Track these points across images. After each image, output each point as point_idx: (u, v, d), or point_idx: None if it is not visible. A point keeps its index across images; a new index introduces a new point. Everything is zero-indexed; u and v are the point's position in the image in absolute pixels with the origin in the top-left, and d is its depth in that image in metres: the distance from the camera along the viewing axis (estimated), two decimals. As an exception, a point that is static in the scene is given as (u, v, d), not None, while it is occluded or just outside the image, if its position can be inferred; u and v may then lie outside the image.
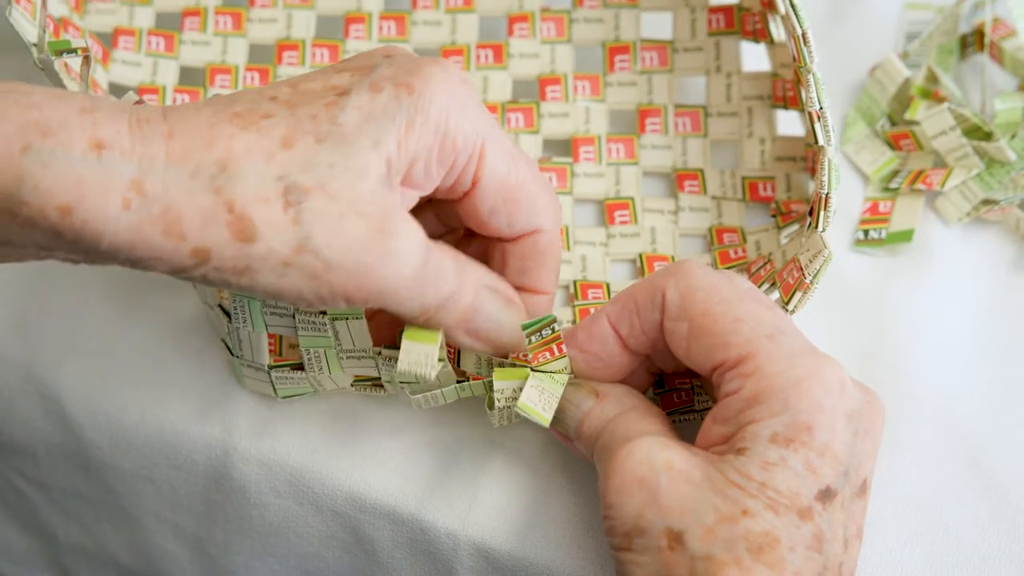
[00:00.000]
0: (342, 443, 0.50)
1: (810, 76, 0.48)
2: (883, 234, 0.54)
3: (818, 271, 0.45)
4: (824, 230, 0.46)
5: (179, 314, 0.54)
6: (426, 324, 0.43)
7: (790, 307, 0.46)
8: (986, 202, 0.53)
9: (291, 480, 0.50)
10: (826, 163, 0.46)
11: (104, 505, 0.56)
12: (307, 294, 0.39)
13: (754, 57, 0.57)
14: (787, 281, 0.47)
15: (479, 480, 0.49)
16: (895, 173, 0.56)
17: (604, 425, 0.43)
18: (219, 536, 0.54)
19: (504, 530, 0.48)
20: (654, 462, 0.40)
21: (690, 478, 0.40)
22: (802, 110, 0.54)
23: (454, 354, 0.46)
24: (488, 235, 0.45)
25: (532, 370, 0.45)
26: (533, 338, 0.44)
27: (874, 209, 0.55)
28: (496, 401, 0.46)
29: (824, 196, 0.46)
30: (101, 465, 0.54)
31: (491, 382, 0.45)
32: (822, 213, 0.46)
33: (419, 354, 0.43)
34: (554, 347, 0.45)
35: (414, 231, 0.40)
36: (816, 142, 0.47)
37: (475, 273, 0.43)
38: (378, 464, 0.49)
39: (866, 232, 0.54)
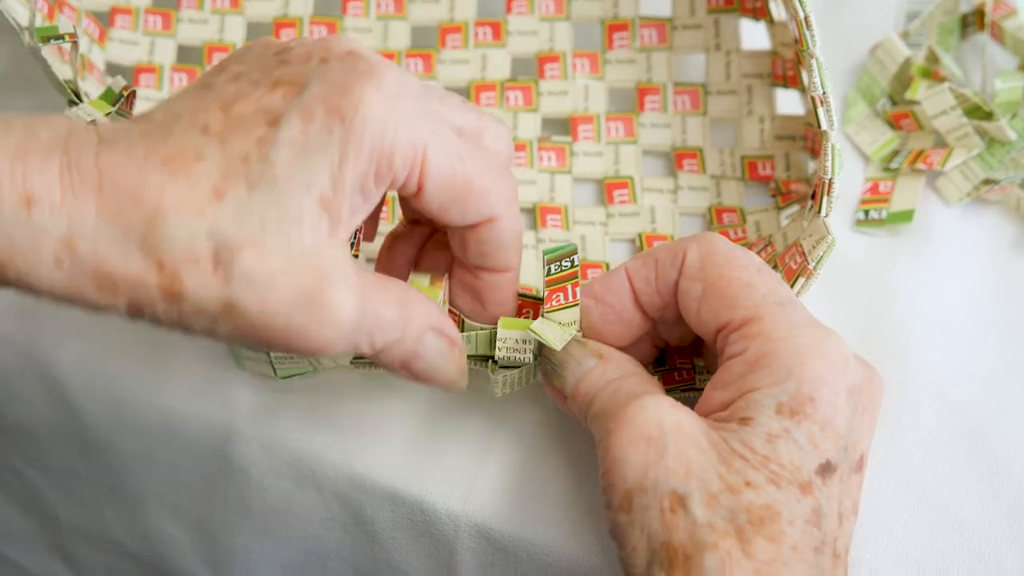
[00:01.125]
0: (343, 425, 0.50)
1: (813, 60, 0.47)
2: (883, 214, 0.54)
3: (821, 257, 0.45)
4: (827, 215, 0.46)
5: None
6: (366, 357, 0.42)
7: (793, 291, 0.45)
8: (987, 182, 0.53)
9: (292, 462, 0.50)
10: (829, 148, 0.46)
11: (105, 486, 0.56)
12: (241, 341, 0.39)
13: (753, 35, 0.57)
14: (789, 266, 0.47)
15: (480, 461, 0.48)
16: (895, 153, 0.55)
17: (604, 386, 0.43)
18: (220, 518, 0.54)
19: (505, 511, 0.47)
20: (664, 421, 0.40)
21: (698, 443, 0.40)
22: (802, 89, 0.54)
23: (458, 320, 0.46)
24: (444, 226, 0.44)
25: (543, 315, 0.45)
26: (552, 268, 0.44)
27: (874, 189, 0.55)
28: (498, 350, 0.45)
29: (827, 181, 0.46)
30: (102, 447, 0.54)
31: (495, 334, 0.45)
32: (825, 198, 0.46)
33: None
34: (569, 288, 0.44)
35: (349, 288, 0.39)
36: (819, 127, 0.47)
37: (420, 316, 0.42)
38: (378, 446, 0.49)
39: (866, 212, 0.54)
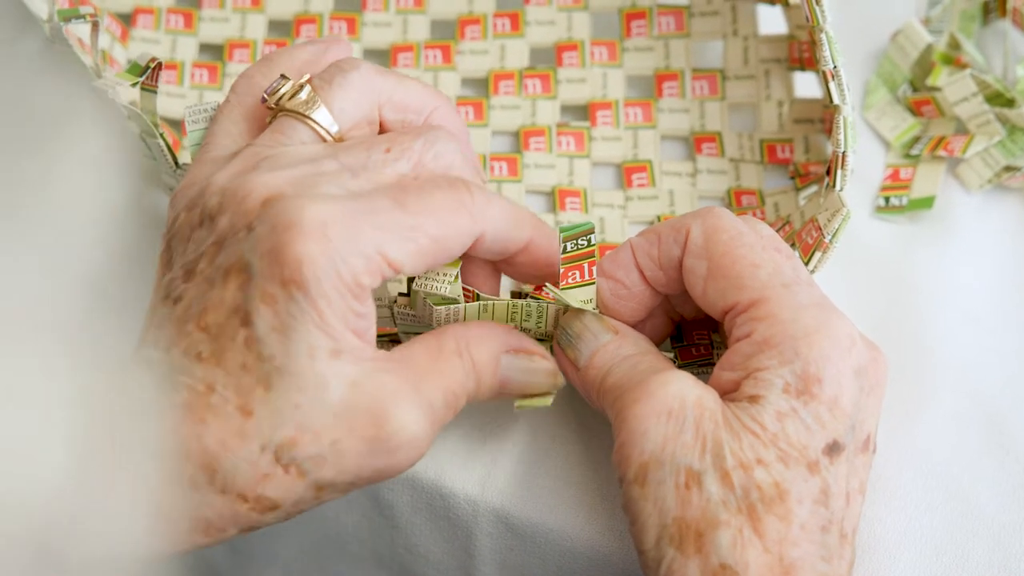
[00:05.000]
0: None
1: (822, 35, 0.46)
2: (904, 201, 0.53)
3: (837, 230, 0.45)
4: (842, 189, 0.45)
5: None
6: None
7: (810, 266, 0.45)
8: (1008, 169, 0.52)
9: None
10: (841, 121, 0.45)
11: None
12: (349, 492, 0.41)
13: (770, 21, 0.56)
14: (806, 241, 0.46)
15: (499, 447, 0.48)
16: (916, 139, 0.54)
17: (620, 360, 0.43)
18: None
19: (523, 496, 0.47)
20: (686, 397, 0.40)
21: (715, 419, 0.39)
22: (819, 71, 0.54)
23: (472, 296, 0.45)
24: None
25: (559, 306, 0.44)
26: (568, 245, 0.43)
27: (895, 176, 0.54)
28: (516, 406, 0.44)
29: (841, 155, 0.45)
30: None
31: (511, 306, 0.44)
32: (839, 172, 0.45)
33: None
34: (585, 266, 0.44)
35: (404, 399, 0.39)
36: (830, 101, 0.46)
37: (486, 348, 0.42)
38: None
39: (887, 199, 0.53)
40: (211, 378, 0.38)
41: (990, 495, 0.46)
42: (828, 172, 0.47)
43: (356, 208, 0.39)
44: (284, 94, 0.43)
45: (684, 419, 0.40)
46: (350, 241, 0.38)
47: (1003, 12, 0.56)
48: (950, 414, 0.48)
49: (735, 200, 0.54)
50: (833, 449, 0.39)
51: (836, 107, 0.46)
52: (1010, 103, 0.53)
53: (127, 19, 0.58)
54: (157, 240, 0.51)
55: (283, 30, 0.59)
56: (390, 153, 0.42)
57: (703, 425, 0.39)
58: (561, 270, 0.44)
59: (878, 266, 0.52)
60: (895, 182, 0.54)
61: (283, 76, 0.44)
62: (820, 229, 0.45)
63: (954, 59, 0.54)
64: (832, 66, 0.46)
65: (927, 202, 0.52)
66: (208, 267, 0.40)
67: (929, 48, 0.55)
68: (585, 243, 0.43)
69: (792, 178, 0.54)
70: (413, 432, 0.39)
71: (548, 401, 0.44)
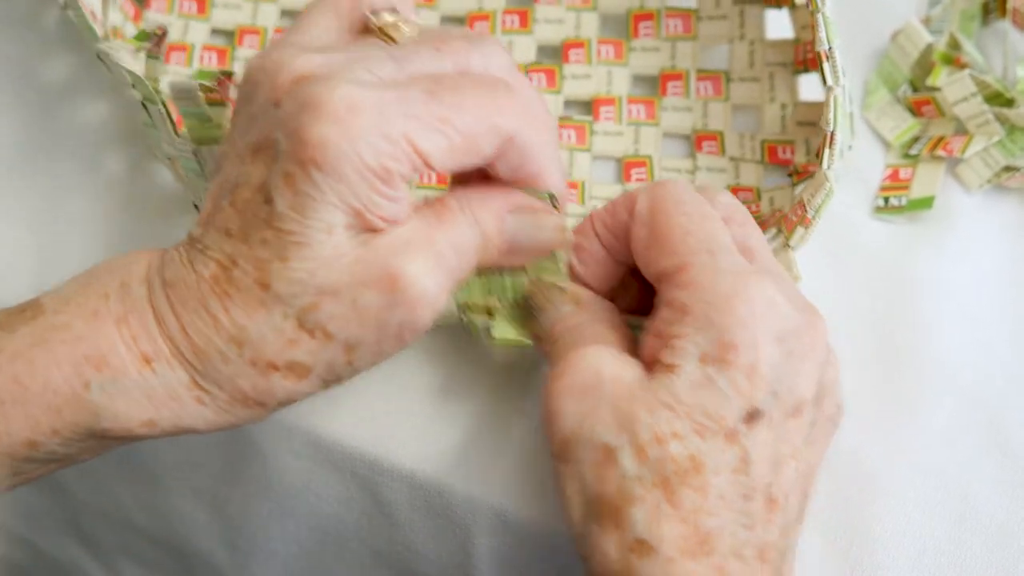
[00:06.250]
0: (362, 406, 0.49)
1: (819, 16, 0.46)
2: (903, 201, 0.52)
3: (820, 206, 0.45)
4: (829, 167, 0.45)
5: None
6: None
7: (792, 242, 0.45)
8: (1007, 169, 0.52)
9: (310, 441, 0.49)
10: (832, 101, 0.45)
11: (124, 465, 0.56)
12: (383, 358, 0.41)
13: (777, 25, 0.56)
14: (791, 219, 0.46)
15: (498, 446, 0.48)
16: (916, 139, 0.54)
17: (569, 330, 0.43)
18: (238, 497, 0.53)
19: (522, 495, 0.47)
20: (602, 372, 0.40)
21: (632, 395, 0.39)
22: (822, 71, 0.54)
23: None
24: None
25: (530, 278, 0.45)
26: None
27: (894, 176, 0.53)
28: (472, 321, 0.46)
29: (829, 133, 0.45)
30: None
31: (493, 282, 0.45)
32: (827, 151, 0.45)
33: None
34: None
35: (417, 258, 0.40)
36: (824, 82, 0.46)
37: (490, 208, 0.42)
38: (397, 427, 0.49)
39: (886, 199, 0.53)
40: (236, 253, 0.40)
41: (989, 494, 0.46)
42: (818, 153, 0.47)
43: (387, 94, 0.39)
44: (389, 23, 0.43)
45: (600, 395, 0.40)
46: (376, 126, 0.38)
47: (1003, 12, 0.56)
48: (949, 414, 0.48)
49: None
50: (753, 416, 0.39)
51: (829, 88, 0.46)
52: (1009, 103, 0.53)
53: (141, 0, 0.59)
54: (152, 209, 0.50)
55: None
56: (439, 52, 0.42)
57: (619, 402, 0.40)
58: None
59: (877, 266, 0.52)
60: (895, 182, 0.53)
61: (395, 9, 0.44)
62: (804, 207, 0.45)
63: (954, 59, 0.54)
64: (827, 47, 0.46)
65: (926, 202, 0.52)
66: (241, 141, 0.41)
67: (929, 48, 0.55)
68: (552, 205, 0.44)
69: (790, 175, 0.54)
70: (426, 283, 0.40)
71: (528, 341, 0.44)
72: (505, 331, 0.45)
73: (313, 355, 0.40)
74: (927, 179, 0.53)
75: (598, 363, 0.41)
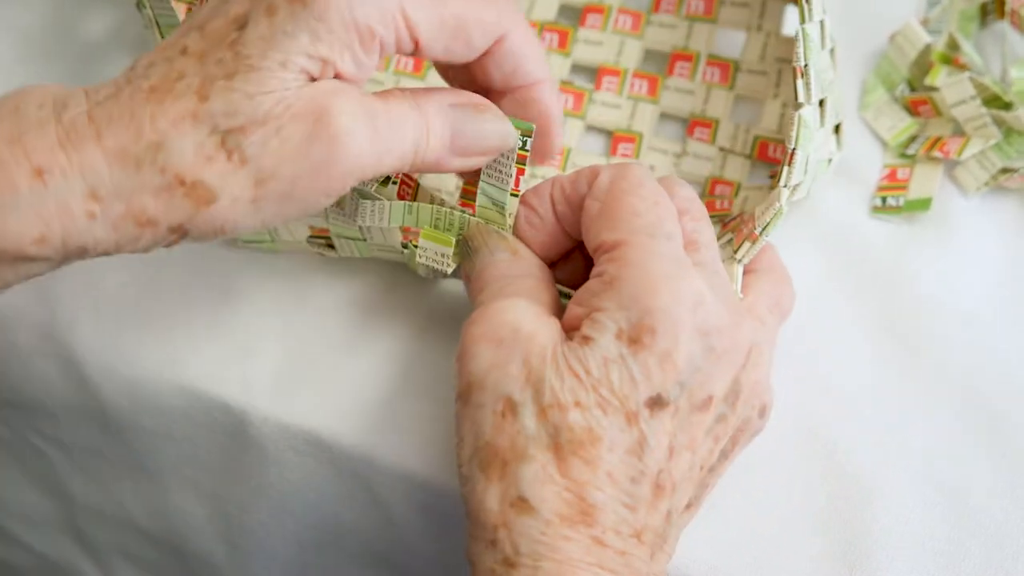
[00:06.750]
0: (361, 404, 0.48)
1: (799, 30, 0.46)
2: (901, 202, 0.53)
3: (768, 223, 0.45)
4: (785, 185, 0.45)
5: (196, 272, 0.52)
6: (416, 169, 0.42)
7: (739, 256, 0.45)
8: (1004, 171, 0.53)
9: (309, 439, 0.48)
10: (796, 119, 0.45)
11: (123, 463, 0.54)
12: (289, 213, 0.40)
13: (793, 21, 0.55)
14: (742, 231, 0.46)
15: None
16: (913, 139, 0.54)
17: (499, 278, 0.44)
18: (238, 494, 0.51)
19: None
20: (520, 329, 0.41)
21: (544, 355, 0.40)
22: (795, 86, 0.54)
23: (412, 189, 0.46)
24: (463, 66, 0.45)
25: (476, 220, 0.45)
26: (525, 142, 0.44)
27: (892, 176, 0.54)
28: (418, 258, 0.46)
29: (790, 152, 0.45)
30: (121, 423, 0.51)
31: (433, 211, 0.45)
32: (786, 168, 0.45)
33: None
34: (515, 172, 0.45)
35: (349, 101, 0.39)
36: (795, 98, 0.46)
37: (434, 99, 0.42)
38: (396, 427, 0.48)
39: (884, 199, 0.53)
40: (185, 68, 0.39)
41: (987, 495, 0.47)
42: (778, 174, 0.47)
43: None
44: None
45: (513, 350, 0.40)
46: None
47: (1001, 14, 0.57)
48: (947, 413, 0.49)
49: (710, 187, 0.53)
50: (656, 403, 0.39)
51: (799, 104, 0.46)
52: (1008, 106, 0.53)
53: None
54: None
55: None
56: None
57: (531, 359, 0.40)
58: (514, 170, 0.44)
59: (875, 265, 0.52)
60: (892, 182, 0.54)
61: None
62: (755, 220, 0.46)
63: (953, 59, 0.55)
64: (803, 64, 0.46)
65: (924, 204, 0.53)
66: None
67: (927, 48, 0.55)
68: (523, 143, 0.44)
69: (771, 177, 0.54)
70: (351, 124, 0.39)
71: (446, 269, 0.45)
72: (429, 257, 0.45)
73: (222, 179, 0.39)
74: (925, 180, 0.54)
75: (519, 317, 0.41)
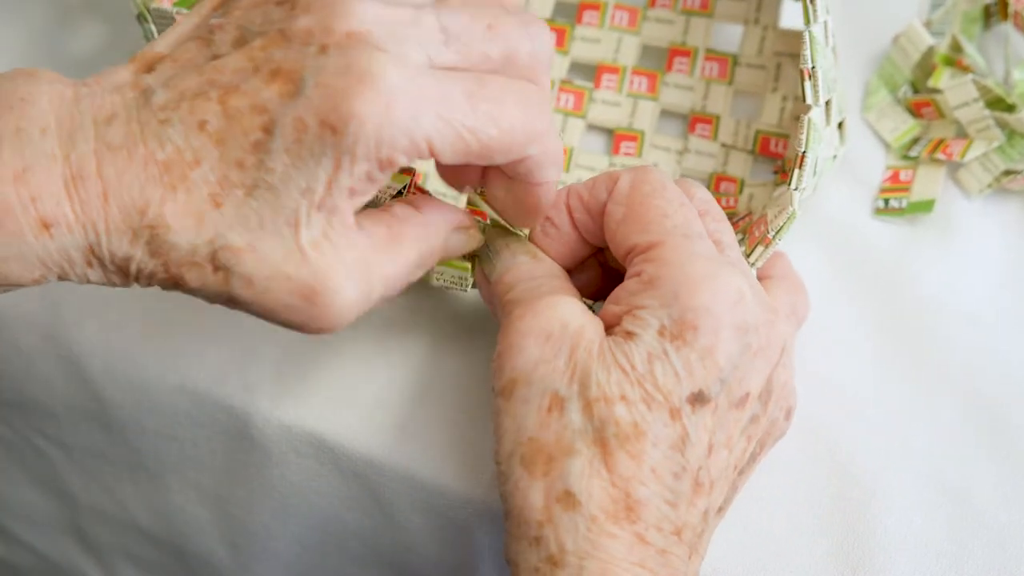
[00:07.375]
0: (363, 407, 0.48)
1: (806, 33, 0.46)
2: (904, 203, 0.53)
3: (781, 228, 0.45)
4: (797, 188, 0.45)
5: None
6: None
7: (751, 259, 0.45)
8: (1007, 173, 0.52)
9: (312, 440, 0.48)
10: (806, 122, 0.45)
11: (126, 464, 0.53)
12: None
13: (792, 15, 0.55)
14: (754, 234, 0.46)
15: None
16: (916, 140, 0.54)
17: (526, 280, 0.44)
18: (241, 496, 0.51)
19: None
20: (569, 324, 0.40)
21: (591, 349, 0.40)
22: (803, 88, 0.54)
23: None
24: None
25: (491, 224, 0.45)
26: None
27: (895, 178, 0.53)
28: (435, 280, 0.46)
29: (800, 154, 0.45)
30: (124, 424, 0.51)
31: None
32: (796, 171, 0.45)
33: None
34: None
35: (348, 276, 0.39)
36: (804, 100, 0.46)
37: (438, 229, 0.42)
38: (399, 429, 0.48)
39: (886, 201, 0.53)
40: (204, 154, 0.38)
41: (989, 496, 0.47)
42: (783, 171, 0.47)
43: (429, 90, 0.38)
44: None
45: (562, 345, 0.40)
46: (407, 121, 0.38)
47: (1004, 15, 0.56)
48: (950, 415, 0.49)
49: (715, 184, 0.53)
50: (698, 399, 0.39)
51: (807, 107, 0.46)
52: (1011, 108, 0.53)
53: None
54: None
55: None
56: (490, 32, 0.40)
57: (578, 353, 0.40)
58: None
59: (878, 267, 0.52)
60: (895, 184, 0.54)
61: None
62: (767, 224, 0.45)
63: (956, 61, 0.55)
64: (810, 66, 0.46)
65: (927, 205, 0.53)
66: (262, 52, 0.39)
67: (931, 50, 0.55)
68: None
69: (775, 172, 0.53)
70: (345, 301, 0.39)
71: (465, 266, 0.45)
72: (447, 280, 0.45)
73: (199, 282, 0.39)
74: (928, 182, 0.53)
75: (567, 312, 0.41)
